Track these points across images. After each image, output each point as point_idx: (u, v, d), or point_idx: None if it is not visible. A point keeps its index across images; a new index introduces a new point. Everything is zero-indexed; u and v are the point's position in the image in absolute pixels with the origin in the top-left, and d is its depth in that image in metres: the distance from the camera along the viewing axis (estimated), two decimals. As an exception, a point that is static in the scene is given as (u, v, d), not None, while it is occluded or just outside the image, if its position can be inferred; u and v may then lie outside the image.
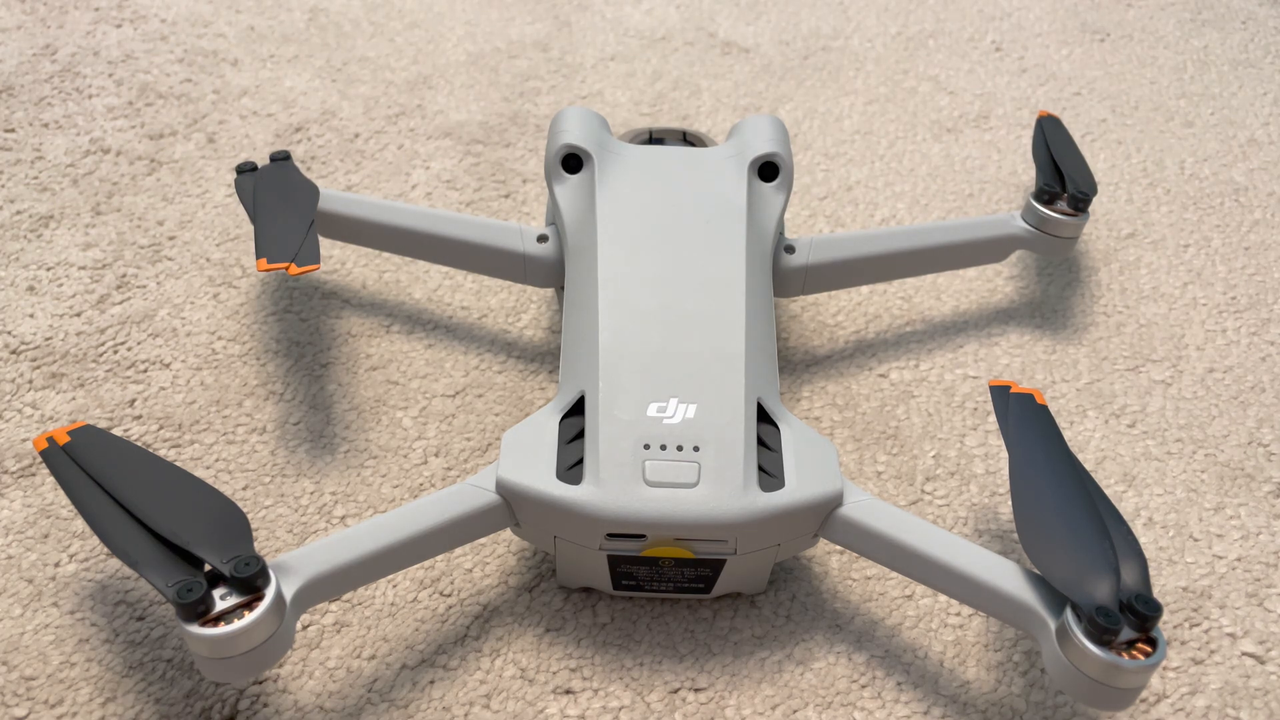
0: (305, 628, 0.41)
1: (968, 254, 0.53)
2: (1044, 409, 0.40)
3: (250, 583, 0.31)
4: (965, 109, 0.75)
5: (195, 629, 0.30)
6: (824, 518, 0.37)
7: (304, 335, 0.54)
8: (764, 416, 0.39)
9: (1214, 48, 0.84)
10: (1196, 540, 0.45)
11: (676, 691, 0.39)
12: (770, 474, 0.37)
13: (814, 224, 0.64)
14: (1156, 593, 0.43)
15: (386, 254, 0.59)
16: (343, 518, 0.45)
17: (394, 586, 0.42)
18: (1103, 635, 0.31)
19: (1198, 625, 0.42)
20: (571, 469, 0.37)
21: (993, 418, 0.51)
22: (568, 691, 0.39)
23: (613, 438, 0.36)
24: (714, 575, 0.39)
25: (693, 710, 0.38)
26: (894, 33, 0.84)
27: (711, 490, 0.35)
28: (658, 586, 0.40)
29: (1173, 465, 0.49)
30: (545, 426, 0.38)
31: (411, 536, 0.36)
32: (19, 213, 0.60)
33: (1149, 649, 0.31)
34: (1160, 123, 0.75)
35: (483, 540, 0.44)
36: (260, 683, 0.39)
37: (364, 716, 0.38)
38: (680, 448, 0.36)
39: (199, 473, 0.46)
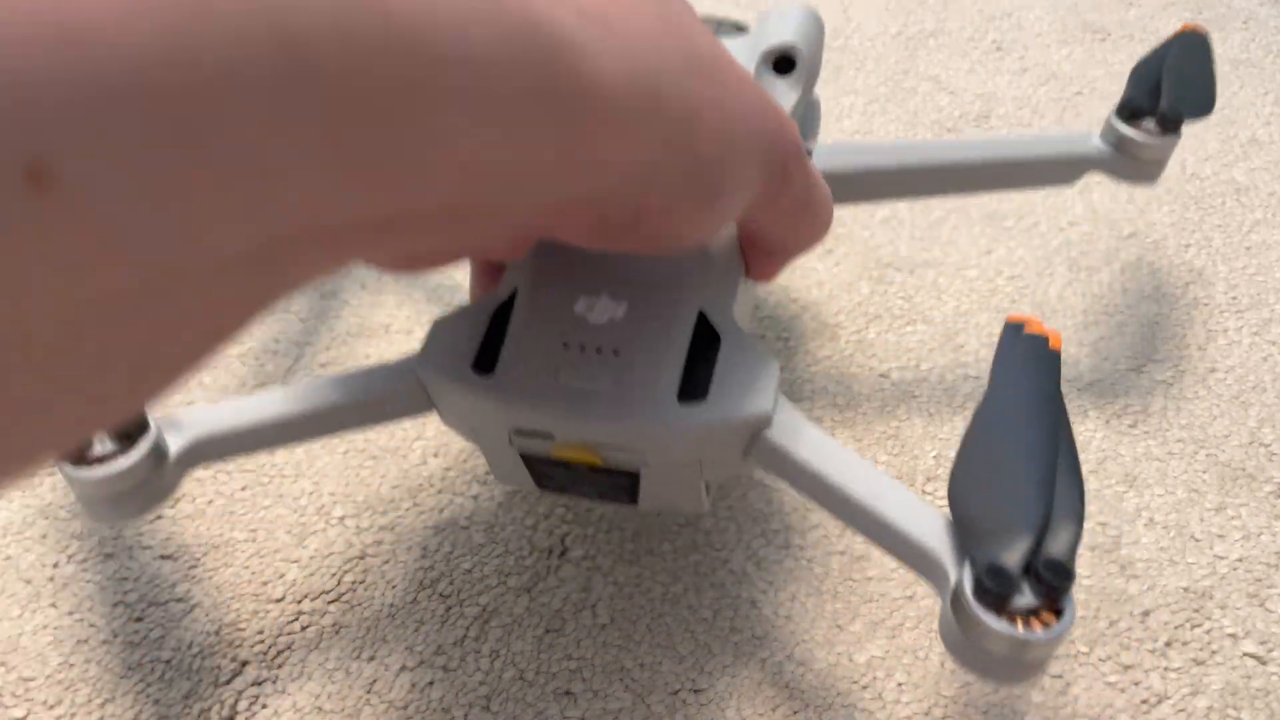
0: (304, 628, 0.40)
1: (1029, 173, 0.47)
2: (1054, 354, 0.35)
3: (127, 433, 0.32)
4: (966, 109, 0.75)
5: (69, 469, 0.32)
6: (750, 439, 0.35)
7: (303, 336, 0.54)
8: (707, 329, 0.36)
9: (1215, 47, 0.84)
10: (1197, 540, 0.45)
11: (677, 693, 0.39)
12: (694, 386, 0.34)
13: (814, 224, 0.64)
14: (1157, 593, 0.43)
15: (385, 254, 0.59)
16: (341, 518, 0.45)
17: (392, 587, 0.42)
18: (991, 597, 0.27)
19: (1199, 626, 0.42)
20: (487, 360, 0.35)
21: (993, 418, 0.51)
22: (567, 693, 0.39)
23: (531, 331, 0.34)
24: (633, 487, 0.37)
25: (694, 712, 0.38)
26: (894, 32, 0.84)
27: (624, 397, 0.33)
28: (580, 491, 0.38)
29: (1174, 465, 0.49)
30: (475, 317, 0.36)
31: (321, 408, 0.35)
32: (17, 213, 0.60)
33: (1052, 619, 0.27)
34: (1161, 122, 0.74)
35: (480, 540, 0.44)
36: (259, 684, 0.39)
37: (363, 718, 0.38)
38: (600, 350, 0.34)
39: (197, 473, 0.46)
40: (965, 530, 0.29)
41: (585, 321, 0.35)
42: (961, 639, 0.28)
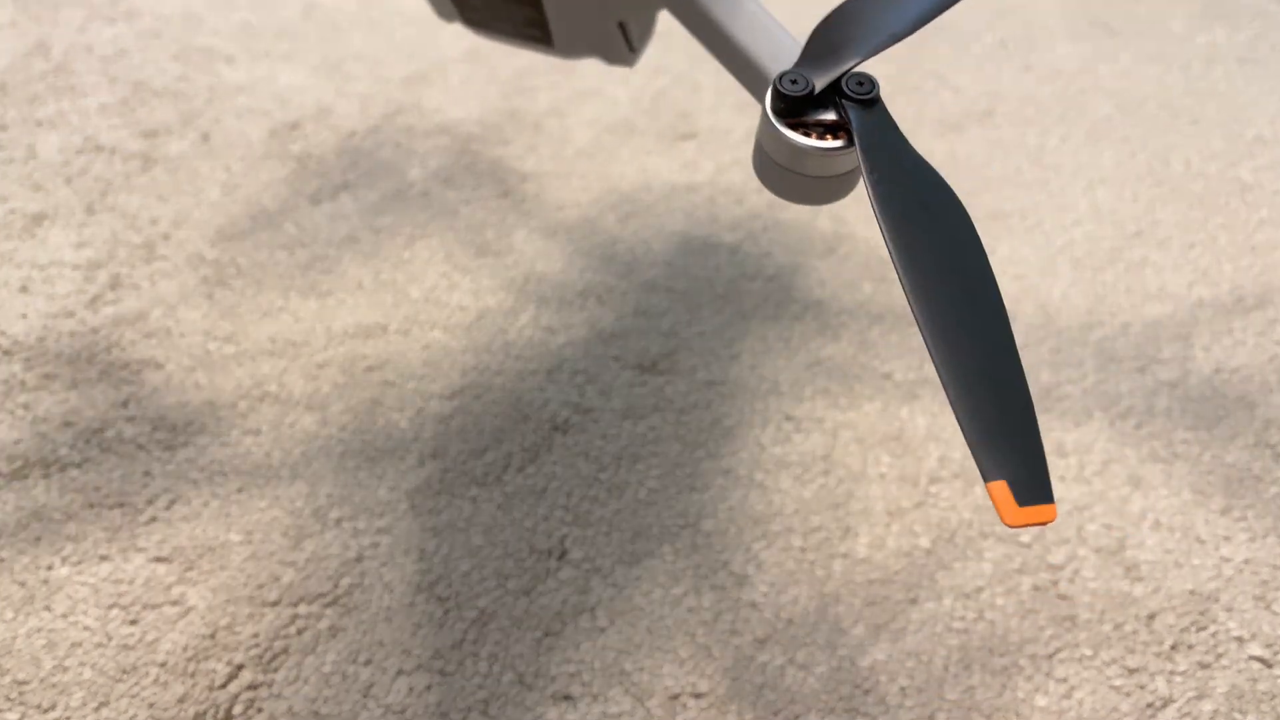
0: (300, 632, 0.40)
1: None
2: None
3: None
4: (970, 106, 0.74)
5: None
6: None
7: (299, 335, 0.53)
8: None
9: (1221, 44, 0.83)
10: (1203, 543, 0.45)
11: (677, 697, 0.38)
12: None
13: (817, 221, 0.63)
14: (1162, 596, 0.43)
15: (383, 253, 0.59)
16: (338, 520, 0.44)
17: (390, 590, 0.42)
18: (783, 100, 0.27)
19: (1204, 629, 0.41)
20: None
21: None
22: (566, 697, 0.38)
23: None
24: (542, 19, 0.37)
25: (694, 716, 0.38)
26: (896, 29, 0.83)
27: None
28: (500, 27, 0.39)
29: (1179, 467, 0.48)
30: None
31: None
32: (12, 211, 0.60)
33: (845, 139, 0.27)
34: (1166, 120, 0.74)
35: (479, 542, 0.44)
36: (254, 688, 0.38)
37: (359, 723, 0.37)
38: None
39: (192, 475, 0.46)
40: (802, 56, 0.29)
41: None
42: (758, 149, 0.28)
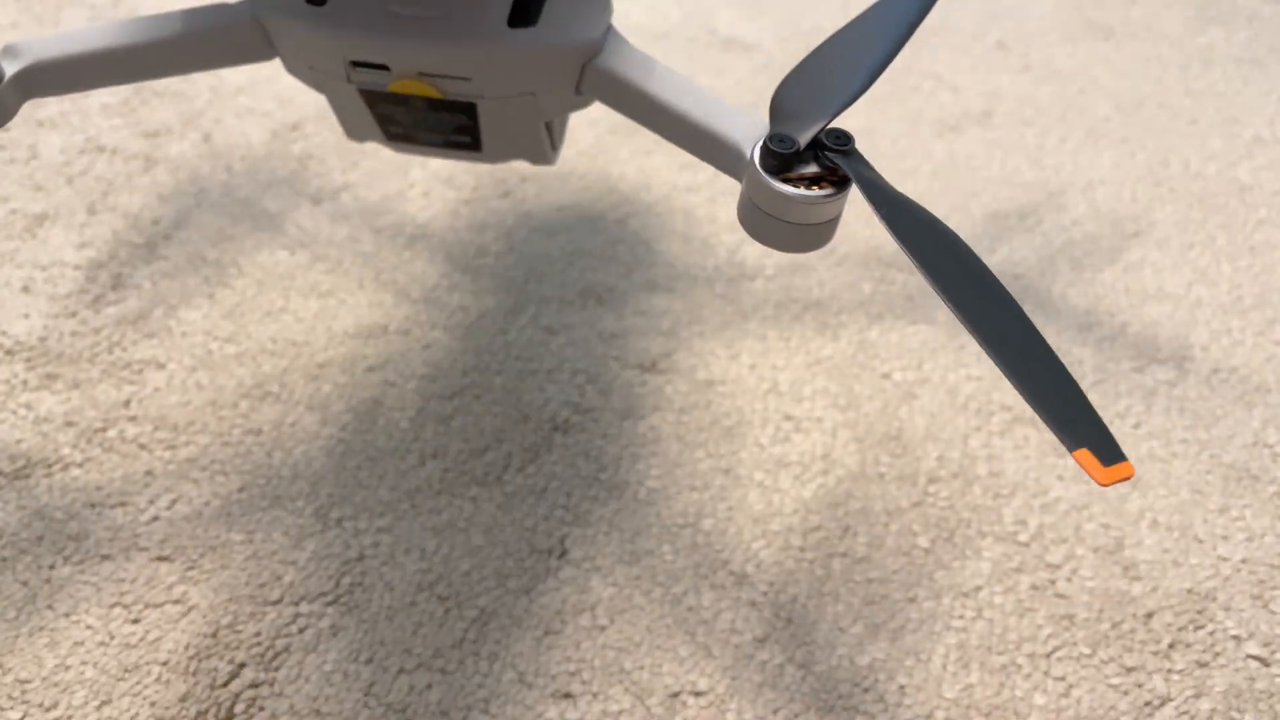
0: (302, 631, 0.40)
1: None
2: None
3: None
4: (968, 106, 0.75)
5: None
6: (580, 68, 0.36)
7: (300, 335, 0.53)
8: None
9: (1219, 45, 0.83)
10: (1201, 542, 0.45)
11: (677, 695, 0.39)
12: (525, 13, 0.35)
13: (815, 222, 0.63)
14: (1160, 595, 0.43)
15: (383, 253, 0.59)
16: (339, 520, 0.44)
17: (390, 589, 0.42)
18: (773, 158, 0.30)
19: (1202, 628, 0.42)
20: None
21: (996, 418, 0.51)
22: (567, 695, 0.38)
23: None
24: (474, 126, 0.38)
25: (693, 714, 0.38)
26: (896, 29, 0.84)
27: (454, 23, 0.34)
28: (427, 139, 0.39)
29: (1177, 466, 0.49)
30: None
31: (158, 41, 0.35)
32: (14, 212, 0.60)
33: (831, 188, 0.30)
34: (1165, 120, 0.74)
35: (479, 542, 0.44)
36: (256, 686, 0.38)
37: (360, 721, 0.37)
38: None
39: (194, 474, 0.46)
40: (773, 119, 0.31)
41: None
42: (747, 203, 0.31)
